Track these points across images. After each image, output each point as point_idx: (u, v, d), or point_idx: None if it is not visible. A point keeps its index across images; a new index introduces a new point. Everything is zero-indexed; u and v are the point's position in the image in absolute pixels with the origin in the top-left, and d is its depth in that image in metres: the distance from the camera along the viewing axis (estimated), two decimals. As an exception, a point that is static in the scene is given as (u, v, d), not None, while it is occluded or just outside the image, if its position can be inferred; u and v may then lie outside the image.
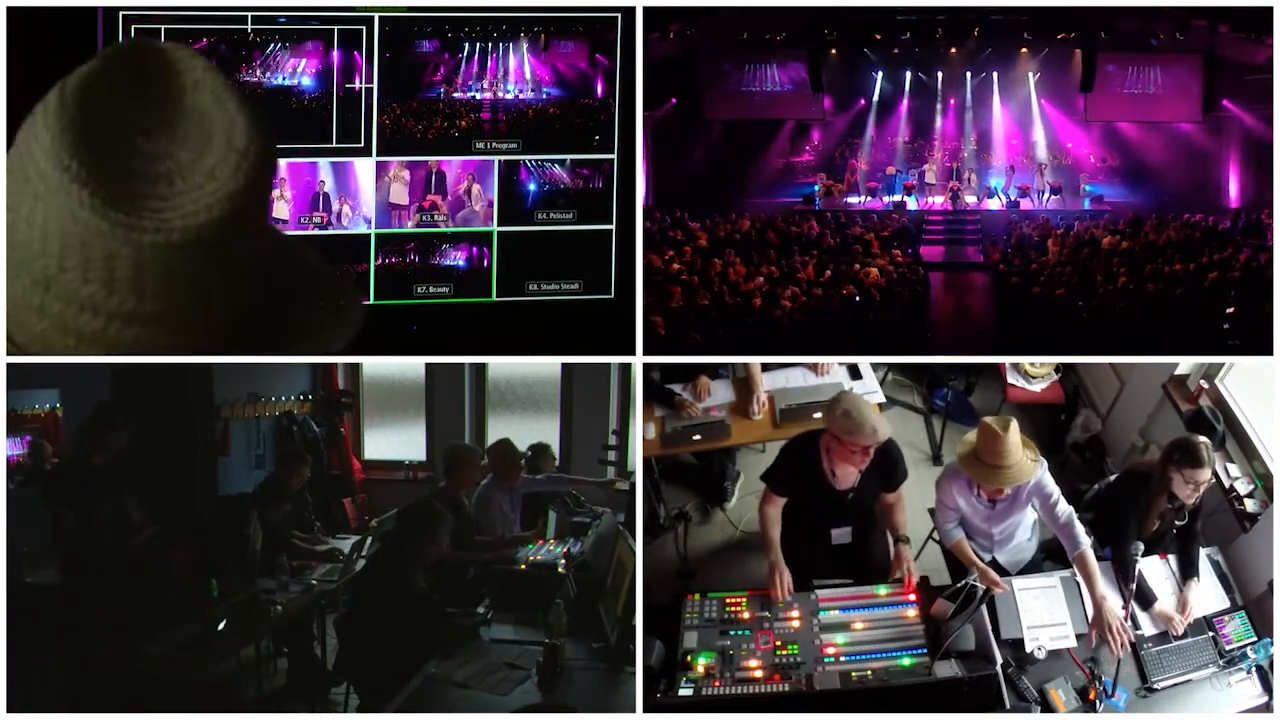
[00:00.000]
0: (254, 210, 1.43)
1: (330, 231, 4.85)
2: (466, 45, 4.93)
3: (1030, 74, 11.84)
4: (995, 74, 11.96)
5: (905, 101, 12.27)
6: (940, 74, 12.10)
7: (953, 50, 11.74)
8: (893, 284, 8.38)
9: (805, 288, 7.93)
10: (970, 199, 11.89)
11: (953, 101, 12.29)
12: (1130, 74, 11.32)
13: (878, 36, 11.38)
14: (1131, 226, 9.84)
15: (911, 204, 11.75)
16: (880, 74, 12.11)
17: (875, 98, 12.23)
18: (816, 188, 11.99)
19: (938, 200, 11.89)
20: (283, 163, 4.76)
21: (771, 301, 7.51)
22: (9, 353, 1.45)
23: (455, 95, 4.94)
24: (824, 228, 10.26)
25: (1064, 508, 4.14)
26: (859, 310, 7.78)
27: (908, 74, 12.11)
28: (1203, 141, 11.46)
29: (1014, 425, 3.98)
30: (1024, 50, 11.66)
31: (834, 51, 11.57)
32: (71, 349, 1.41)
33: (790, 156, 12.53)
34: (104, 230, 1.34)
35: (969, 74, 12.02)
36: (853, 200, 11.98)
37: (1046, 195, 11.85)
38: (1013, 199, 11.69)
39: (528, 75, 5.00)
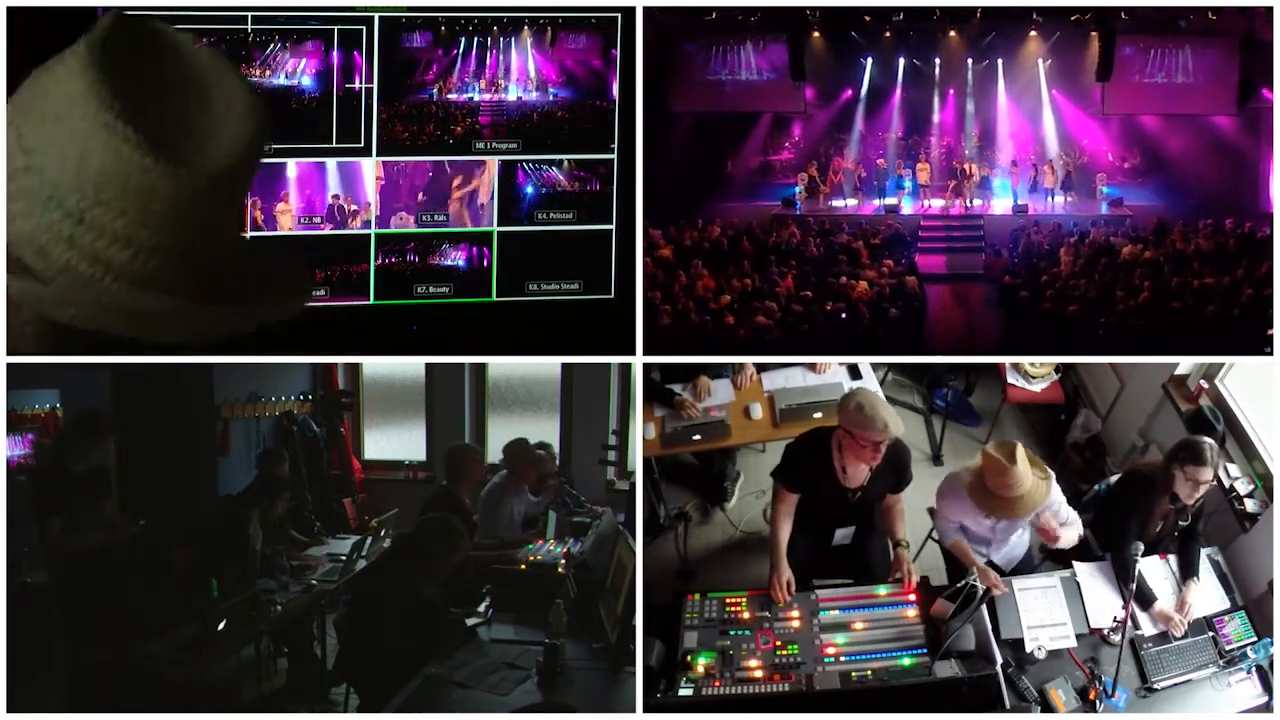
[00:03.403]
0: (256, 162, 1.60)
1: (330, 231, 4.85)
2: (462, 40, 4.79)
3: (1040, 60, 10.60)
4: (1000, 61, 10.67)
5: (898, 92, 10.97)
6: (938, 61, 10.81)
7: (952, 34, 10.49)
8: (884, 298, 7.67)
9: (784, 303, 7.28)
10: (962, 202, 10.75)
11: (952, 92, 10.87)
12: (1154, 60, 10.02)
13: (867, 18, 10.00)
14: (1155, 234, 8.90)
15: (906, 208, 10.60)
16: (870, 60, 10.84)
17: (864, 88, 10.97)
18: (798, 189, 10.75)
19: (935, 204, 10.73)
20: (291, 172, 4.76)
21: (745, 319, 6.91)
22: (17, 286, 1.53)
23: (449, 97, 4.83)
24: (806, 235, 9.29)
25: (1072, 533, 4.16)
26: (846, 328, 7.15)
27: (901, 61, 10.84)
28: (1237, 137, 10.04)
29: (1020, 452, 3.89)
30: (1033, 33, 10.34)
31: (817, 34, 10.24)
32: (92, 281, 1.51)
33: (767, 154, 11.28)
34: (147, 166, 1.47)
35: (970, 61, 10.81)
36: (839, 204, 10.80)
37: (1059, 198, 10.62)
38: (1020, 201, 10.55)
39: (532, 74, 4.87)
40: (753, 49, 10.39)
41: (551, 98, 4.92)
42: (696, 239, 8.75)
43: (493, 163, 4.93)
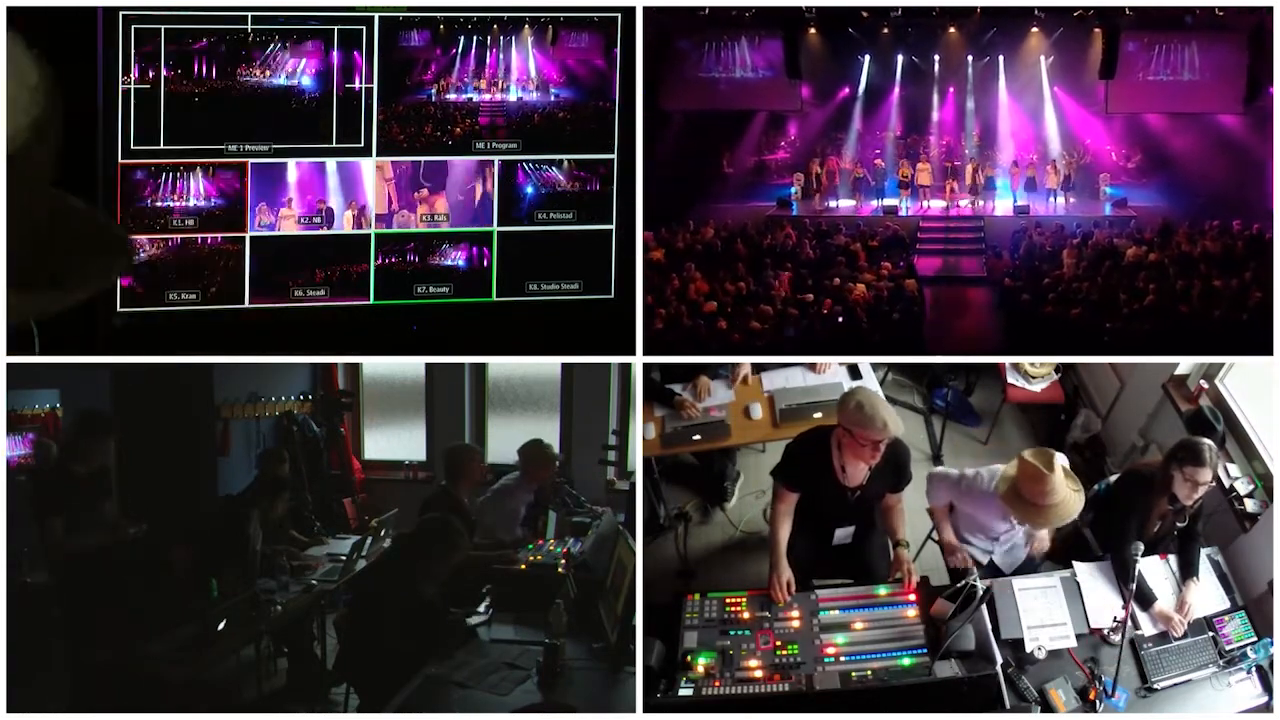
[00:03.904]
0: (51, 138, 1.58)
1: (330, 231, 4.85)
2: (461, 39, 4.75)
3: (1042, 57, 10.26)
4: (1001, 58, 10.33)
5: (896, 90, 10.65)
6: (937, 58, 10.44)
7: (952, 30, 10.10)
8: (882, 301, 7.48)
9: (779, 307, 7.08)
10: (971, 202, 10.42)
11: (952, 90, 10.61)
12: (1158, 56, 9.66)
13: (864, 14, 9.57)
14: (1160, 235, 8.59)
15: (904, 208, 10.24)
16: (868, 57, 10.50)
17: (862, 86, 10.62)
18: (793, 190, 10.40)
19: (935, 204, 10.39)
20: (292, 175, 4.76)
21: (739, 324, 6.72)
22: None
23: (448, 98, 4.80)
24: (802, 236, 9.02)
25: None
26: (843, 331, 6.96)
27: (900, 58, 10.50)
28: (1245, 135, 9.54)
29: (1058, 460, 3.90)
30: (1035, 29, 9.97)
31: (813, 31, 9.89)
32: None
33: (762, 154, 10.91)
34: None
35: (970, 58, 10.41)
36: (835, 204, 10.41)
37: (1061, 198, 10.27)
38: (1021, 202, 10.20)
39: (533, 73, 4.83)
40: (748, 45, 10.10)
41: (553, 98, 4.89)
42: (689, 241, 8.52)
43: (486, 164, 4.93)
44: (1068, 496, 3.93)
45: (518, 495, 6.55)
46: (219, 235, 4.70)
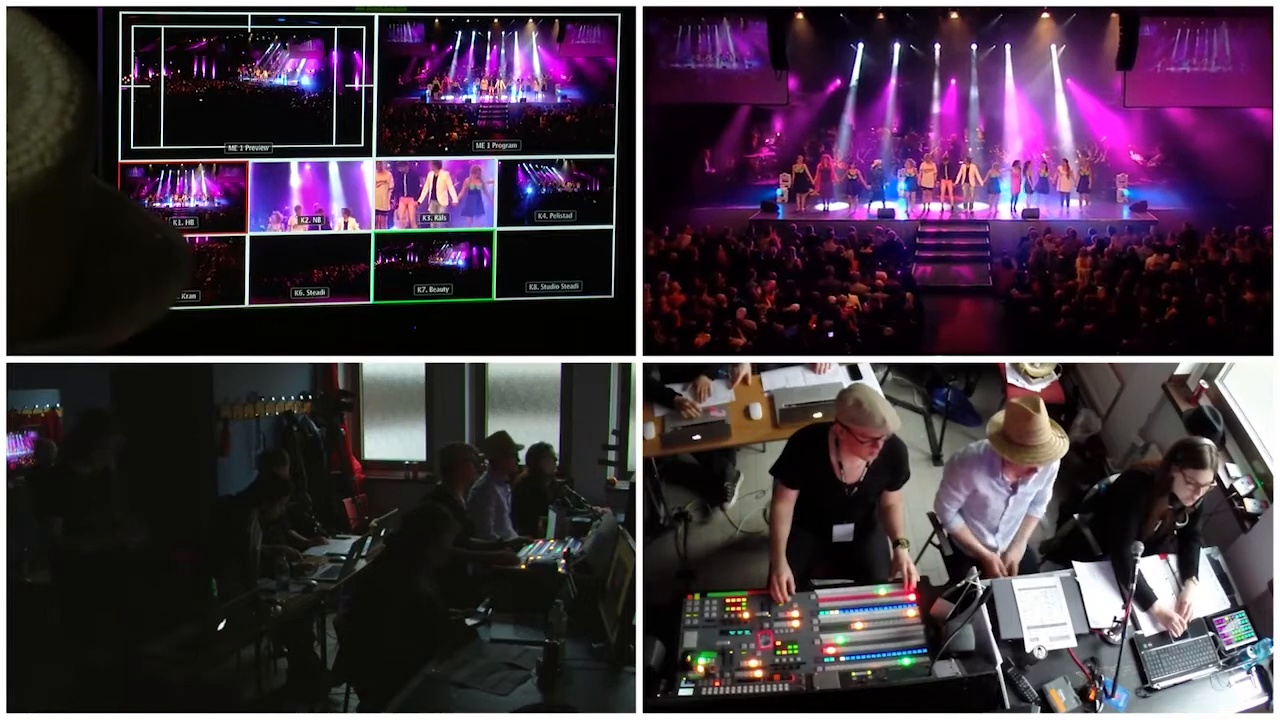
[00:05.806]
0: (86, 154, 1.34)
1: (330, 231, 4.85)
2: (459, 35, 4.64)
3: (1053, 46, 9.57)
4: (1008, 46, 9.67)
5: (893, 82, 9.96)
6: (938, 46, 9.75)
7: (954, 16, 9.39)
8: (876, 315, 7.08)
9: (764, 321, 6.70)
10: (977, 205, 9.62)
11: (954, 81, 9.93)
12: (1182, 44, 8.88)
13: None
14: (1184, 242, 8.00)
15: (901, 212, 9.47)
16: (861, 46, 9.78)
17: (855, 77, 9.89)
18: (779, 191, 9.65)
19: (935, 208, 9.62)
20: (295, 182, 4.76)
21: (720, 338, 6.36)
22: None
23: (444, 99, 4.75)
24: (788, 243, 8.44)
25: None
26: (833, 348, 6.58)
27: (896, 46, 9.79)
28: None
29: (1042, 404, 4.07)
30: (1045, 15, 9.25)
31: (801, 16, 9.12)
32: None
33: (745, 152, 10.25)
34: None
35: (975, 46, 9.74)
36: (824, 208, 9.72)
37: (1074, 201, 9.60)
38: (1028, 205, 9.43)
39: (537, 72, 4.77)
40: (730, 30, 9.36)
41: (560, 100, 4.83)
42: (663, 247, 7.89)
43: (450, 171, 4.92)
44: (1053, 439, 4.06)
45: (491, 489, 6.60)
46: (207, 235, 4.69)
